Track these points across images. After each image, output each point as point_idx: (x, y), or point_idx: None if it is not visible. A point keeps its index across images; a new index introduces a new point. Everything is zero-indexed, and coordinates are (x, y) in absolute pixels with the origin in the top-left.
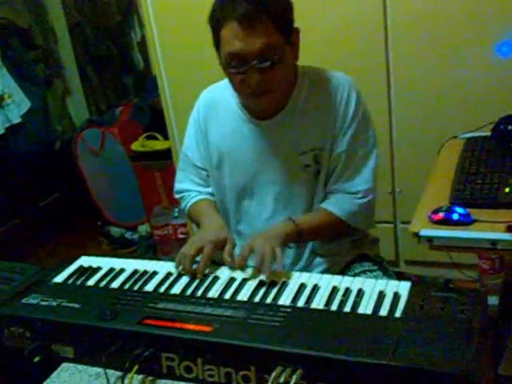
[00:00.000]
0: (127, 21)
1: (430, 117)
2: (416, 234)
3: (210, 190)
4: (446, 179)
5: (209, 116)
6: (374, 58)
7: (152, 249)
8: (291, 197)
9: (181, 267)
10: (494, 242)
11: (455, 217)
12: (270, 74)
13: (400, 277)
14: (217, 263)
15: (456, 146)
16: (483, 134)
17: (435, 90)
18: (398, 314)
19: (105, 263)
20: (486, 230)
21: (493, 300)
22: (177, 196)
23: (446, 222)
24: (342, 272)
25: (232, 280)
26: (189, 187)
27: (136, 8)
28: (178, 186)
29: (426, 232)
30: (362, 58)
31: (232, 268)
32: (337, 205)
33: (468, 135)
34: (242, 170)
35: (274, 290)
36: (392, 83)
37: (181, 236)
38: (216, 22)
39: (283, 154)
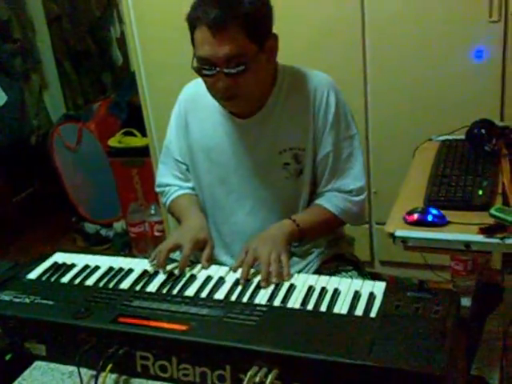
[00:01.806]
0: (106, 16)
1: (406, 119)
2: (391, 235)
3: (190, 184)
4: (421, 181)
5: (190, 111)
6: (352, 59)
7: (127, 246)
8: (271, 194)
9: (154, 261)
10: (467, 243)
11: (430, 218)
12: (238, 80)
13: (375, 277)
14: (193, 262)
15: (431, 148)
16: (457, 137)
17: (411, 92)
18: (373, 314)
19: (79, 260)
20: (460, 231)
21: (465, 301)
22: (158, 190)
23: (421, 223)
24: (318, 272)
25: (209, 278)
26: (170, 181)
27: (116, 4)
28: (159, 179)
29: (401, 233)
30: (340, 58)
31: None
32: (332, 202)
33: (442, 138)
34: (220, 167)
35: (251, 289)
36: (368, 84)
37: (157, 234)
38: (191, 23)
39: (262, 151)
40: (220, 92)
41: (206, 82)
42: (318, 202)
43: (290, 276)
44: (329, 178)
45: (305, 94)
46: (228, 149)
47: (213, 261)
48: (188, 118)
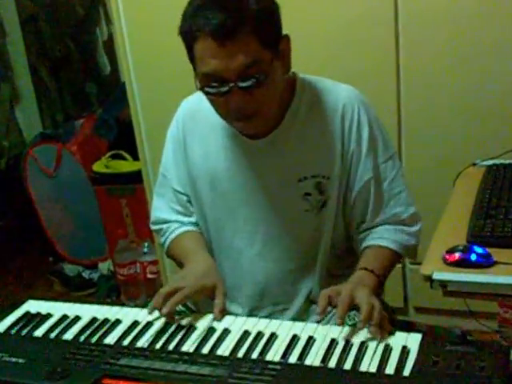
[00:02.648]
0: (92, 16)
1: (445, 140)
2: (428, 278)
3: (193, 219)
4: (463, 213)
5: (190, 131)
6: (382, 70)
7: (115, 292)
8: (286, 230)
9: (155, 313)
10: None
11: (473, 258)
12: (255, 94)
13: (409, 327)
14: (193, 311)
15: (475, 174)
16: (506, 161)
17: (451, 109)
18: (406, 372)
19: (56, 309)
20: (509, 273)
21: None
22: (153, 228)
23: (463, 263)
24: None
25: (211, 330)
26: (168, 217)
27: (103, 0)
28: (155, 214)
29: (440, 275)
30: (367, 69)
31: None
32: (389, 239)
33: (489, 162)
34: (227, 197)
35: (261, 343)
36: (402, 99)
37: (150, 276)
38: (187, 36)
39: (277, 179)
40: (236, 112)
41: (214, 103)
42: (373, 242)
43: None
44: (375, 209)
45: (330, 110)
46: (236, 176)
47: (226, 311)
48: (187, 140)
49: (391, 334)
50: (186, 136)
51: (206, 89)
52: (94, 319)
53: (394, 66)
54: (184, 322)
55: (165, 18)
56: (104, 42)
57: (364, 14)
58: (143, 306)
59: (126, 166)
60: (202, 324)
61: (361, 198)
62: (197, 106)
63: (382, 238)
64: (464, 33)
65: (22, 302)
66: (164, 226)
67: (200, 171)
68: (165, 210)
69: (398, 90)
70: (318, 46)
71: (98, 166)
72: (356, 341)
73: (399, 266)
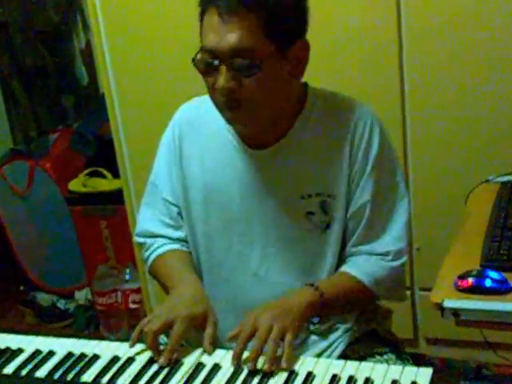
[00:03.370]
0: (68, 23)
1: (455, 155)
2: (439, 306)
3: (182, 234)
4: (477, 235)
5: (187, 137)
6: (386, 83)
7: (93, 323)
8: (286, 251)
9: (137, 347)
10: None
11: (488, 283)
12: (244, 83)
13: (419, 360)
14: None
15: (488, 192)
16: None
17: (460, 122)
18: None
19: (28, 343)
20: None
21: None
22: (138, 240)
23: (477, 289)
24: (344, 355)
25: (200, 366)
26: (156, 229)
27: (80, 6)
28: (141, 226)
29: (452, 303)
30: (370, 82)
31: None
32: (361, 268)
33: (503, 179)
34: (222, 211)
35: (256, 380)
36: (407, 113)
37: (133, 306)
38: (201, 5)
39: (279, 194)
40: (220, 94)
41: (206, 84)
42: (344, 268)
43: (291, 364)
44: (362, 235)
45: (341, 125)
46: (234, 187)
47: (217, 343)
48: (184, 147)
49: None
50: (183, 142)
51: (199, 65)
52: (70, 354)
53: (398, 79)
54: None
55: (146, 24)
56: (81, 51)
57: (366, 25)
58: (124, 340)
59: (105, 184)
60: (190, 359)
61: (353, 221)
62: (196, 112)
63: (356, 267)
64: (473, 42)
65: None
66: (149, 240)
67: (195, 181)
68: (152, 222)
69: (402, 102)
70: (320, 57)
71: (75, 185)
72: (360, 376)
73: (408, 292)
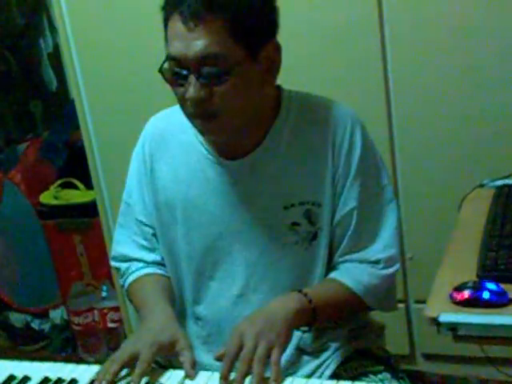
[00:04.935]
0: (34, 25)
1: (447, 159)
2: (434, 320)
3: (157, 256)
4: (472, 243)
5: (158, 152)
6: (369, 82)
7: (70, 344)
8: (271, 267)
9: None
10: None
11: (486, 296)
12: (215, 92)
13: (417, 378)
14: (163, 366)
15: (483, 197)
16: None
17: (451, 123)
18: None
19: (1, 368)
20: None
21: None
22: (113, 264)
23: (474, 302)
24: (336, 375)
25: None
26: (131, 253)
27: (46, 7)
28: (115, 249)
29: (448, 317)
30: (355, 79)
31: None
32: (351, 275)
33: (499, 183)
34: (202, 229)
35: None
36: (394, 115)
37: (111, 325)
38: (164, 12)
39: (260, 206)
40: (191, 106)
41: (175, 93)
42: (333, 275)
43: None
44: (350, 243)
45: (320, 128)
46: (212, 203)
47: (197, 365)
48: (155, 163)
49: None
50: (154, 157)
51: (166, 75)
52: (46, 379)
53: (383, 80)
54: (151, 380)
55: (117, 24)
56: (49, 54)
57: (348, 23)
58: (104, 362)
59: (78, 196)
60: (172, 381)
61: (339, 229)
62: (166, 125)
63: (345, 274)
64: (463, 39)
65: None
66: (123, 265)
67: (170, 199)
68: (127, 245)
69: (387, 104)
70: (300, 57)
71: (46, 197)
72: None
73: (401, 305)
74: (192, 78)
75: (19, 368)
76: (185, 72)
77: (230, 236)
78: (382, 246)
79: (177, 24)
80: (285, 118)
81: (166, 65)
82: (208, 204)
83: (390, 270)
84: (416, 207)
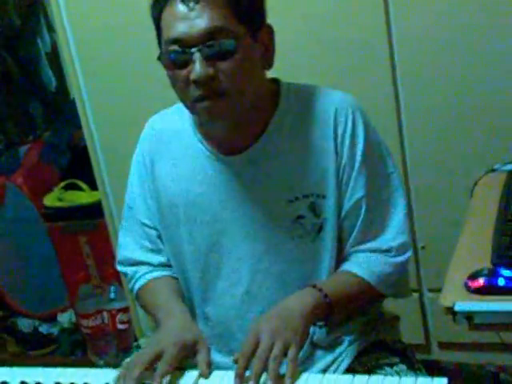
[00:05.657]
0: (31, 25)
1: (457, 145)
2: (450, 310)
3: (163, 258)
4: (485, 229)
5: (157, 155)
6: (376, 70)
7: (79, 348)
8: (278, 262)
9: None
10: None
11: (501, 282)
12: (221, 68)
13: (433, 368)
14: (180, 368)
15: (495, 182)
16: None
17: (460, 107)
18: None
19: (13, 375)
20: None
21: None
22: (120, 269)
23: (489, 290)
24: (351, 369)
25: None
26: (136, 256)
27: (43, 6)
28: (121, 253)
29: (463, 305)
30: (361, 69)
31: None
32: (364, 266)
33: (510, 167)
34: (205, 228)
35: None
36: (402, 101)
37: (121, 326)
38: (155, 7)
39: (263, 201)
40: (197, 86)
41: (175, 81)
42: (345, 266)
43: (295, 382)
44: (361, 233)
45: (321, 119)
46: (215, 202)
47: (213, 365)
48: (155, 165)
49: None
50: (154, 159)
51: (167, 59)
52: None
53: (390, 65)
54: (164, 382)
55: (116, 18)
56: (47, 54)
57: (353, 10)
58: (115, 365)
59: (82, 197)
60: (186, 382)
61: (348, 220)
62: (164, 125)
63: (357, 265)
64: (471, 23)
65: None
66: (130, 269)
67: (172, 199)
68: (132, 248)
69: (395, 90)
70: (302, 47)
71: (50, 200)
72: None
73: (415, 296)
74: (197, 56)
75: (31, 375)
76: (189, 51)
77: (234, 233)
78: (393, 234)
79: (176, 7)
80: (284, 110)
81: (163, 53)
82: (210, 202)
83: (403, 258)
84: (427, 195)
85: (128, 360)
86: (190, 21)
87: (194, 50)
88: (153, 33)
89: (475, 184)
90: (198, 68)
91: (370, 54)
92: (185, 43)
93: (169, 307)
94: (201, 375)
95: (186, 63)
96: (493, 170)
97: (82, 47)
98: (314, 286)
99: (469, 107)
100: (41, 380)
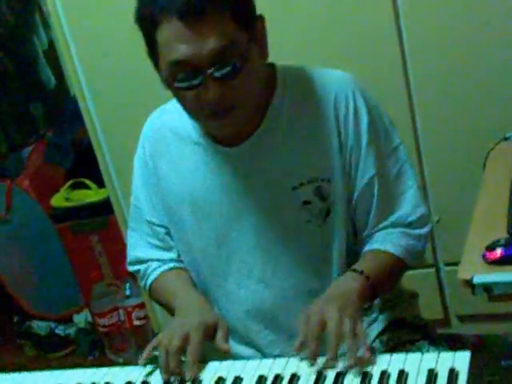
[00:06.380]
0: (26, 23)
1: (468, 113)
2: (468, 283)
3: (173, 255)
4: (500, 200)
5: (158, 152)
6: (384, 44)
7: (97, 347)
8: (287, 249)
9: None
10: None
11: None
12: (233, 84)
13: (454, 341)
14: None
15: (508, 151)
16: None
17: (470, 73)
18: None
19: (34, 380)
20: None
21: None
22: (131, 269)
23: (508, 260)
24: (373, 348)
25: (221, 381)
26: (146, 254)
27: (37, 3)
28: (131, 253)
29: (482, 278)
30: (367, 47)
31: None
32: (391, 242)
33: None
34: (212, 222)
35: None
36: (410, 67)
37: (138, 323)
38: (146, 22)
39: (268, 189)
40: (210, 106)
41: (183, 100)
42: (372, 246)
43: (372, 356)
44: (378, 212)
45: (320, 101)
46: (219, 194)
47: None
48: (157, 163)
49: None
50: (155, 157)
51: (175, 83)
52: None
53: (395, 30)
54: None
55: (113, 12)
56: (44, 52)
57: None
58: (135, 362)
59: (90, 195)
60: (208, 375)
61: (363, 200)
62: (162, 121)
63: (383, 241)
64: None
65: None
66: (142, 266)
67: (177, 196)
68: (141, 247)
69: (403, 59)
70: (304, 30)
71: (58, 200)
72: (393, 370)
73: (431, 270)
74: (208, 78)
75: (52, 378)
76: (197, 76)
77: (241, 224)
78: (410, 208)
79: (174, 26)
80: (282, 96)
81: (164, 74)
82: (215, 195)
83: (424, 230)
84: (439, 168)
85: (155, 340)
86: (192, 41)
87: (204, 73)
88: None
89: (488, 154)
90: (210, 93)
91: (376, 21)
92: (191, 67)
93: (185, 294)
94: (220, 348)
95: (195, 86)
96: (505, 139)
97: (80, 42)
98: (355, 271)
99: (478, 75)
100: (62, 383)
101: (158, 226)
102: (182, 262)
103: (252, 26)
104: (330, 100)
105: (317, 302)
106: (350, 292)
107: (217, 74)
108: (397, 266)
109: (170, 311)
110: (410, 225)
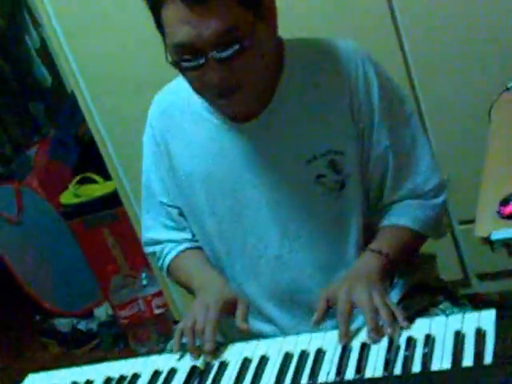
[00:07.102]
0: (16, 23)
1: (469, 64)
2: (486, 240)
3: (187, 235)
4: (508, 151)
5: (168, 130)
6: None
7: (121, 339)
8: (304, 223)
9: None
10: None
11: None
12: (235, 66)
13: (477, 301)
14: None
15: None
16: None
17: (468, 21)
18: (488, 359)
19: (63, 378)
20: None
21: None
22: (147, 250)
23: None
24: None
25: (247, 362)
26: (160, 235)
27: (25, 3)
28: (145, 235)
29: (500, 233)
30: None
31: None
32: (406, 215)
33: None
34: (226, 199)
35: (309, 364)
36: (399, 21)
37: (158, 311)
38: (153, 1)
39: (281, 164)
40: (214, 87)
41: (190, 81)
42: (390, 221)
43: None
44: (394, 182)
45: (330, 72)
46: (233, 171)
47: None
48: (169, 142)
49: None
50: (166, 137)
51: (180, 63)
52: (109, 380)
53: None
54: (209, 357)
55: (104, 6)
56: (37, 50)
57: None
58: (160, 351)
59: (98, 189)
60: (233, 355)
61: (377, 171)
62: (171, 99)
63: (399, 215)
64: None
65: (22, 379)
66: (158, 247)
67: (190, 175)
68: (155, 228)
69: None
70: (302, 25)
71: (67, 197)
72: (419, 336)
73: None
74: (211, 60)
75: (80, 374)
76: (199, 57)
77: (256, 200)
78: (425, 177)
79: (176, 7)
80: (291, 70)
81: (172, 55)
82: (228, 173)
83: (440, 199)
84: (443, 123)
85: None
86: (194, 23)
87: (207, 55)
88: (144, 15)
89: (492, 106)
90: (213, 74)
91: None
92: (193, 49)
93: (203, 273)
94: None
95: (199, 67)
96: (507, 89)
97: (71, 38)
98: (373, 250)
99: (479, 24)
100: (91, 378)
101: (171, 206)
102: (196, 241)
103: (258, 4)
104: (340, 72)
105: (340, 281)
106: (372, 271)
107: (219, 56)
108: (415, 240)
109: (190, 291)
110: (425, 194)
